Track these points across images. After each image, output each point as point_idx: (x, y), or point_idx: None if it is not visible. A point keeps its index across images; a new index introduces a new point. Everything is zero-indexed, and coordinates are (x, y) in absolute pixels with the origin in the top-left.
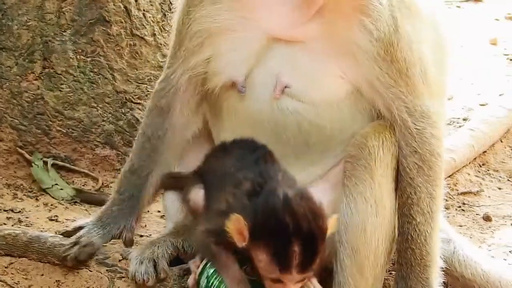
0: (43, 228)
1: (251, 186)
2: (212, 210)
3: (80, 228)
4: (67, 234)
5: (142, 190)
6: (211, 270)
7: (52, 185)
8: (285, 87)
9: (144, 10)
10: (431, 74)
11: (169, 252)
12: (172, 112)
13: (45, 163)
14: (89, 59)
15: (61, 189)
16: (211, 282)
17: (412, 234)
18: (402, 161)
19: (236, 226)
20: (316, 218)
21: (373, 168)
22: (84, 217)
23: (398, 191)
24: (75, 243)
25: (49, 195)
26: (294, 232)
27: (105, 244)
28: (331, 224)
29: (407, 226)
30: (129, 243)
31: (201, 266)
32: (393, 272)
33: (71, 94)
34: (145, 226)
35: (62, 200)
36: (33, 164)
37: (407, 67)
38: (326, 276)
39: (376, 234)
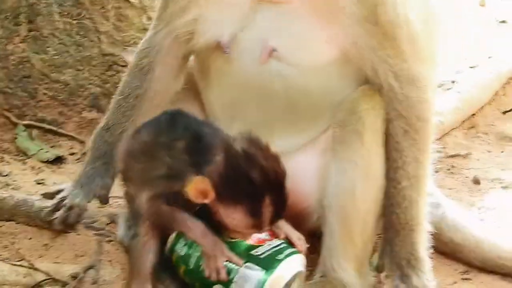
0: (30, 192)
1: (186, 143)
2: (149, 178)
3: (60, 191)
4: (47, 196)
5: (116, 147)
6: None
7: (38, 150)
8: (272, 50)
9: None
10: (418, 38)
11: None
12: (153, 72)
13: (30, 128)
14: (75, 22)
15: (47, 151)
16: (192, 249)
17: (397, 198)
18: (389, 125)
19: (199, 187)
20: (277, 164)
21: (363, 132)
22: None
23: (385, 155)
24: (59, 207)
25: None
26: (264, 186)
27: (90, 207)
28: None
29: (392, 191)
30: (104, 201)
31: (174, 234)
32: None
33: (57, 57)
34: None
35: (47, 161)
36: (17, 136)
37: (393, 30)
38: (315, 241)
39: (366, 198)
